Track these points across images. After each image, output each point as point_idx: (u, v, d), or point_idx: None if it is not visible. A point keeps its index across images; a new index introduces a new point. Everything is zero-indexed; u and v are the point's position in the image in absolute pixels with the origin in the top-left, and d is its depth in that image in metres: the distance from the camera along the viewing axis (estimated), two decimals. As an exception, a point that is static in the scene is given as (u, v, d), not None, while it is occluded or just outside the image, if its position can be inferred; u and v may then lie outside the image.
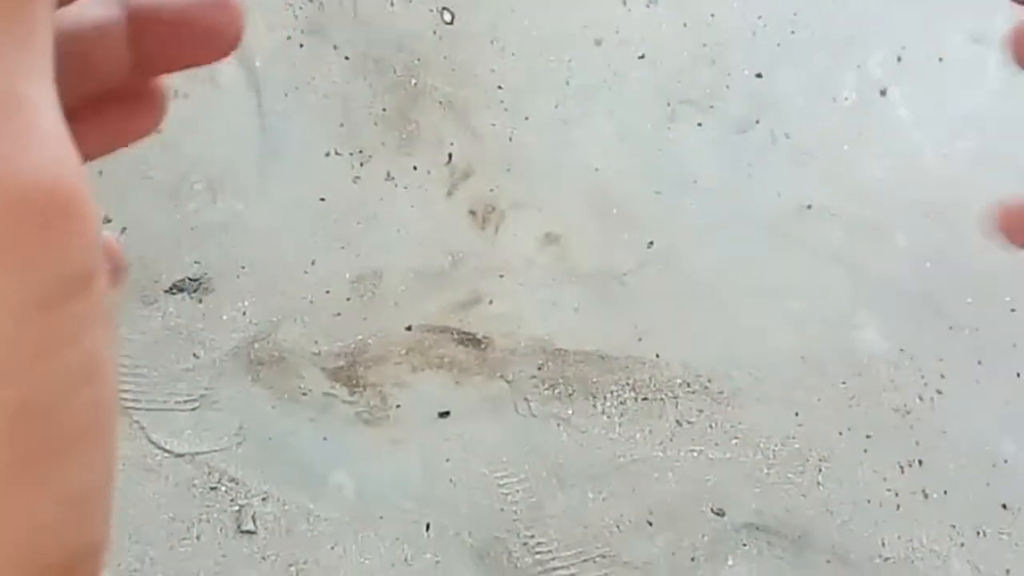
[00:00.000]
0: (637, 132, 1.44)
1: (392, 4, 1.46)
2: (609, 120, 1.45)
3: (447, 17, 1.46)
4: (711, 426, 1.37)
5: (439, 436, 1.33)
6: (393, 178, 1.40)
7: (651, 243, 1.41)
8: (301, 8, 1.44)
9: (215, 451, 1.30)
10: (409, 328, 1.35)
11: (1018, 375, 1.40)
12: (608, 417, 1.35)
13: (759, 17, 1.49)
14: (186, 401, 1.32)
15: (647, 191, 1.43)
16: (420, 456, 1.32)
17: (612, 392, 1.36)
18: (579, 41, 1.47)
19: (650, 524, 1.33)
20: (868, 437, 1.37)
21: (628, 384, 1.36)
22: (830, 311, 1.41)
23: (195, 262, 1.36)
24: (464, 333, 1.36)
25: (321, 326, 1.35)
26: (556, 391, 1.35)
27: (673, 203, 1.43)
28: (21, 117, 0.16)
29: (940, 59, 1.49)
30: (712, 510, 1.34)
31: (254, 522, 1.29)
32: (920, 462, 1.37)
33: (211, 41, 0.23)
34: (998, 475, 1.37)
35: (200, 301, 1.35)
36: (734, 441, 1.36)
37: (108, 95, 0.24)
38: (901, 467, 1.37)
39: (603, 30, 1.47)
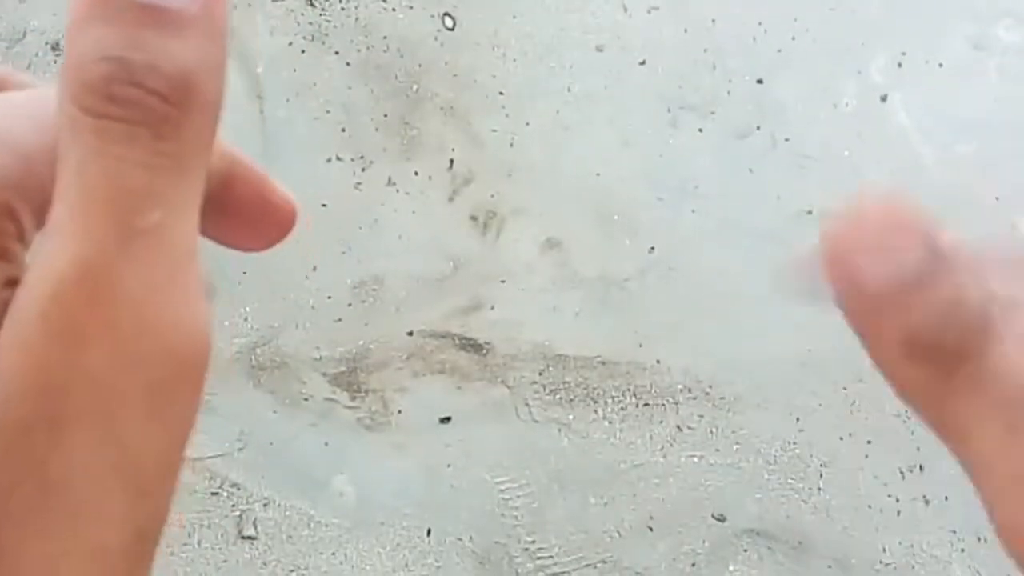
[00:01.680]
0: (638, 138, 1.45)
1: (394, 10, 1.46)
2: (610, 126, 1.45)
3: (448, 23, 1.46)
4: (712, 431, 1.37)
5: (440, 441, 1.33)
6: (394, 184, 1.40)
7: (652, 249, 1.41)
8: (303, 14, 1.45)
9: (216, 456, 1.30)
10: (410, 333, 1.35)
11: (1019, 381, 1.40)
12: (609, 422, 1.35)
13: (760, 23, 1.49)
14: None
15: (648, 197, 1.43)
16: (421, 461, 1.32)
17: (613, 397, 1.36)
18: (580, 47, 1.47)
19: (651, 530, 1.33)
20: (869, 443, 1.37)
21: (629, 389, 1.36)
22: (831, 316, 1.41)
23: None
24: (465, 338, 1.36)
25: (322, 331, 1.35)
26: (557, 396, 1.35)
27: (674, 209, 1.43)
28: (184, 267, 0.17)
29: (940, 65, 1.50)
30: (713, 516, 1.34)
31: (255, 527, 1.29)
32: (921, 468, 1.37)
33: (264, 230, 0.24)
34: (999, 481, 1.37)
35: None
36: (735, 447, 1.36)
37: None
38: (902, 473, 1.37)
39: (604, 36, 1.48)
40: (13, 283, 0.17)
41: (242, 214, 0.23)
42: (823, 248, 0.18)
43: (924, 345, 0.17)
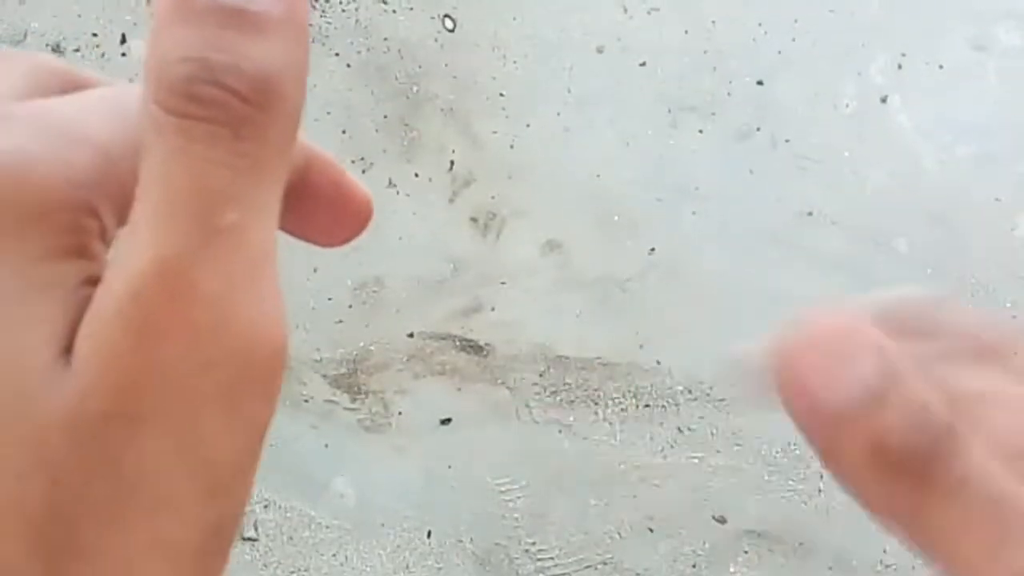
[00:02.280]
0: (638, 139, 1.45)
1: (394, 11, 1.46)
2: (610, 127, 1.45)
3: (449, 25, 1.46)
4: (712, 433, 1.37)
5: (441, 443, 1.33)
6: (395, 185, 1.40)
7: (652, 250, 1.41)
8: (303, 16, 1.45)
9: (217, 458, 1.30)
10: (411, 335, 1.35)
11: (1020, 382, 1.40)
12: (610, 424, 1.35)
13: (760, 24, 1.50)
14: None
15: (648, 198, 1.43)
16: (422, 463, 1.32)
17: (614, 399, 1.36)
18: (581, 48, 1.47)
19: (651, 531, 1.33)
20: (870, 444, 1.37)
21: (630, 391, 1.36)
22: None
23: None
24: (466, 340, 1.36)
25: (323, 333, 1.35)
26: (558, 398, 1.35)
27: (674, 210, 1.43)
28: (262, 267, 0.18)
29: (941, 66, 1.50)
30: (713, 517, 1.34)
31: (256, 529, 1.29)
32: (922, 469, 1.37)
33: (342, 223, 0.24)
34: (1000, 482, 1.37)
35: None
36: (736, 448, 1.36)
37: None
38: (903, 474, 1.37)
39: (604, 37, 1.48)
40: (94, 281, 0.17)
41: (320, 207, 0.23)
42: (775, 367, 0.18)
43: (891, 457, 0.17)
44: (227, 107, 0.17)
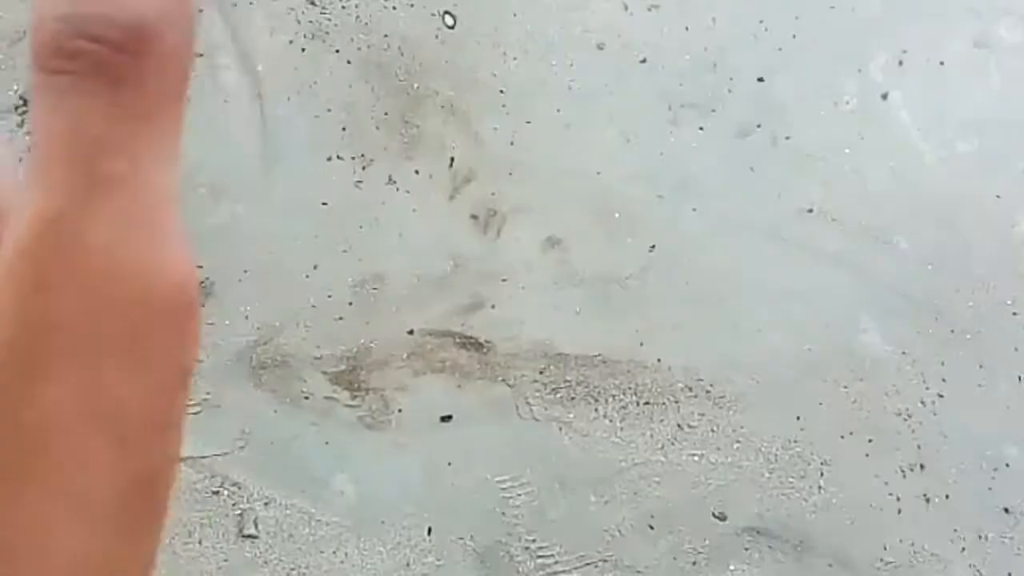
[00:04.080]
0: (639, 136, 1.45)
1: (394, 8, 1.46)
2: (611, 124, 1.45)
3: (449, 21, 1.46)
4: (713, 430, 1.37)
5: (441, 440, 1.33)
6: (395, 182, 1.40)
7: (653, 247, 1.41)
8: (303, 12, 1.45)
9: (217, 455, 1.30)
10: (411, 332, 1.35)
11: (1020, 379, 1.40)
12: (610, 421, 1.35)
13: (760, 21, 1.49)
14: (188, 405, 1.32)
15: (649, 195, 1.43)
16: (422, 460, 1.32)
17: (614, 396, 1.36)
18: (581, 45, 1.47)
19: (652, 528, 1.33)
20: (870, 441, 1.37)
21: (630, 388, 1.36)
22: (831, 315, 1.41)
23: (197, 266, 1.36)
24: (466, 337, 1.36)
25: (323, 330, 1.35)
26: (558, 395, 1.35)
27: (675, 207, 1.43)
28: (158, 212, 0.17)
29: (941, 63, 1.50)
30: (714, 514, 1.34)
31: (256, 526, 1.29)
32: (922, 466, 1.37)
33: None
34: (1000, 479, 1.37)
35: (202, 305, 1.35)
36: (736, 445, 1.36)
37: None
38: (903, 471, 1.37)
39: (605, 34, 1.47)
40: None
41: None
42: None
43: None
44: (97, 58, 0.16)
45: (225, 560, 1.27)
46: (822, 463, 1.36)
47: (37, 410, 0.16)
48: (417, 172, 1.41)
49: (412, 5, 1.46)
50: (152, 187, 0.17)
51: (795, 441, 1.37)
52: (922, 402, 1.39)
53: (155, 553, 0.18)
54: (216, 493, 1.29)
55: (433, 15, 1.46)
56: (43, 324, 0.16)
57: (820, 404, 1.38)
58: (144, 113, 0.17)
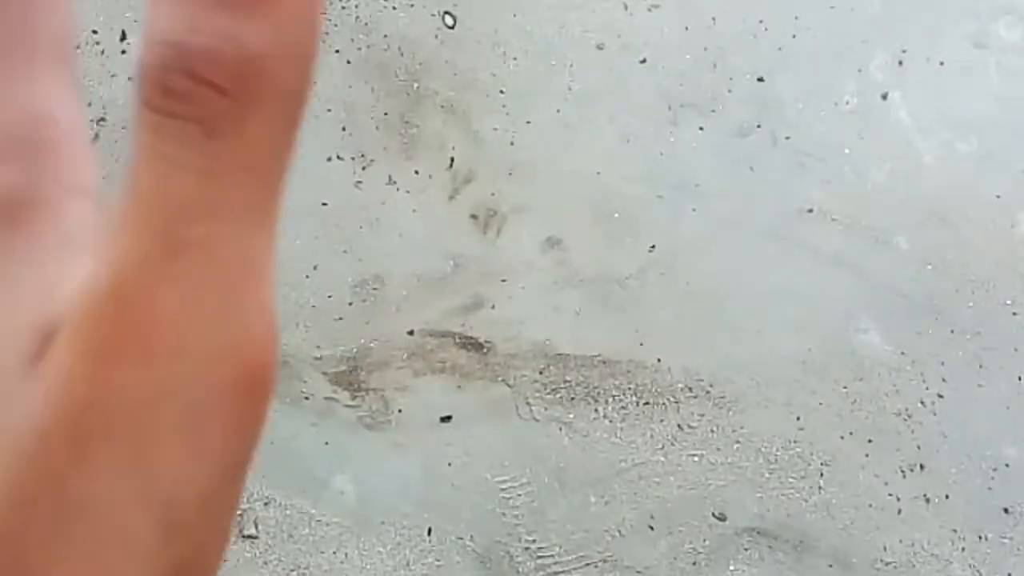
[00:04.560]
0: (639, 136, 1.45)
1: (394, 8, 1.46)
2: (611, 124, 1.45)
3: (449, 21, 1.46)
4: (712, 430, 1.37)
5: (441, 440, 1.33)
6: (395, 182, 1.40)
7: (653, 247, 1.41)
8: (303, 13, 1.45)
9: (217, 455, 1.30)
10: (411, 332, 1.35)
11: (1019, 379, 1.40)
12: (610, 421, 1.35)
13: (760, 21, 1.49)
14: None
15: (649, 195, 1.43)
16: (422, 460, 1.32)
17: (614, 396, 1.36)
18: (581, 45, 1.47)
19: (651, 528, 1.33)
20: (869, 441, 1.37)
21: (630, 388, 1.36)
22: (831, 315, 1.41)
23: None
24: (466, 337, 1.36)
25: (323, 330, 1.35)
26: (558, 395, 1.35)
27: (674, 207, 1.43)
28: (241, 283, 0.16)
29: (941, 63, 1.50)
30: (713, 514, 1.34)
31: (256, 527, 1.29)
32: (921, 466, 1.37)
33: None
34: (999, 479, 1.37)
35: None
36: (735, 445, 1.36)
37: None
38: (902, 471, 1.37)
39: (605, 34, 1.47)
40: None
41: None
42: None
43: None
44: (200, 101, 0.14)
45: (225, 560, 1.27)
46: (822, 463, 1.36)
47: (83, 478, 0.15)
48: (417, 172, 1.41)
49: (412, 5, 1.46)
50: (238, 254, 0.16)
51: (795, 441, 1.37)
52: (922, 402, 1.39)
53: None
54: (216, 493, 1.29)
55: (433, 15, 1.46)
56: (102, 393, 0.15)
57: (819, 404, 1.38)
58: (244, 167, 0.15)
